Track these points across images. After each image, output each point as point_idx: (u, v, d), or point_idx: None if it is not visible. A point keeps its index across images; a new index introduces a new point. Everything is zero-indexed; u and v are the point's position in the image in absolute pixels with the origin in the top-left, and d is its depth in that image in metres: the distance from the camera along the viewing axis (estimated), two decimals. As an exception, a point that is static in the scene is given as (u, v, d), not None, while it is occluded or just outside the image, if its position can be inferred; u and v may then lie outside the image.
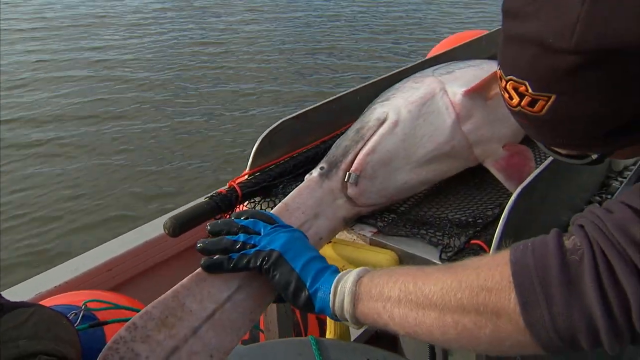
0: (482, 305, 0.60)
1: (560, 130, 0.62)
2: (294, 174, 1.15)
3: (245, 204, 1.08)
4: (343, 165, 0.97)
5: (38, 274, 1.83)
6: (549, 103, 0.60)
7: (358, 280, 0.71)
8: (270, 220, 0.81)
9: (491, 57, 1.80)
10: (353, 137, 1.01)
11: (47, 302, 1.32)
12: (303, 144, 1.21)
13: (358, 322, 0.72)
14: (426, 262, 0.90)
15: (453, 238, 0.93)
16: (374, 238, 0.96)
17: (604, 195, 1.23)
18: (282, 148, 1.17)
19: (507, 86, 0.64)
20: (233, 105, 5.55)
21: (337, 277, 0.73)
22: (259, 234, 0.78)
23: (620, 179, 1.30)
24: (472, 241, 0.89)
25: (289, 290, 0.74)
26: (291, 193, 0.94)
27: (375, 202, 0.99)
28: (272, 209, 1.08)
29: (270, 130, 1.14)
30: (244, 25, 8.43)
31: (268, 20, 8.75)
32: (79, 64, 6.58)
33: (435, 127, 1.03)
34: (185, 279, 0.73)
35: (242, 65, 6.67)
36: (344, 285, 0.71)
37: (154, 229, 2.06)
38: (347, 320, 0.72)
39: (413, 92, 1.09)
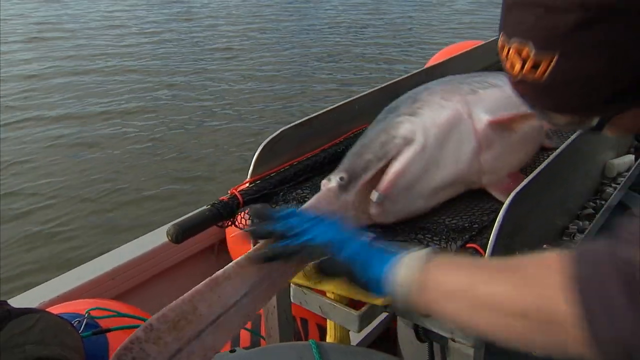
0: (536, 312, 0.60)
1: (561, 94, 0.65)
2: (295, 181, 1.17)
3: (247, 211, 1.10)
4: (362, 180, 0.98)
5: (42, 282, 1.85)
6: (551, 65, 0.63)
7: (419, 268, 0.71)
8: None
9: (488, 67, 1.83)
10: (377, 152, 1.01)
11: (51, 310, 1.33)
12: (303, 152, 1.24)
13: (415, 309, 0.73)
14: (423, 266, 0.92)
15: (450, 242, 0.95)
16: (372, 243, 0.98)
17: (598, 201, 1.26)
18: (283, 156, 1.20)
19: (510, 52, 0.67)
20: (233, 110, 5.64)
21: (400, 262, 0.72)
22: (302, 224, 0.78)
23: (614, 185, 1.32)
24: (468, 245, 0.91)
25: (354, 277, 0.74)
26: (310, 201, 0.94)
27: (387, 220, 1.00)
28: (272, 216, 1.11)
29: (271, 139, 1.16)
30: (248, 34, 8.57)
31: (267, 31, 8.83)
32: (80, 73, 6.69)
33: (457, 157, 1.04)
34: (200, 284, 0.75)
35: (249, 73, 6.77)
36: (407, 273, 0.71)
37: (156, 238, 2.09)
38: (404, 303, 0.72)
39: (440, 112, 1.09)
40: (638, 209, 1.44)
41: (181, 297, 0.73)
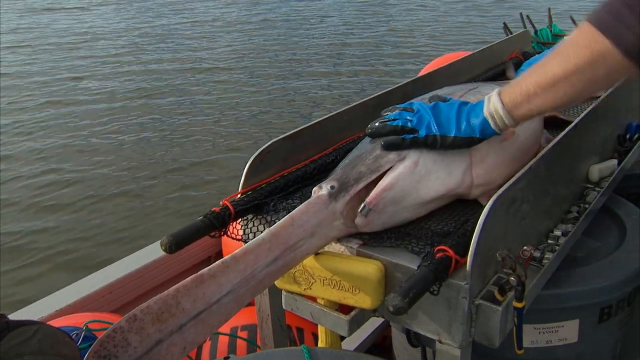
0: (586, 62, 0.87)
1: None
2: (285, 191, 1.21)
3: (238, 221, 1.14)
4: (353, 191, 1.00)
5: (41, 297, 1.87)
6: None
7: (501, 97, 0.99)
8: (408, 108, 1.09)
9: (475, 78, 1.87)
10: (370, 165, 1.04)
11: (50, 324, 1.36)
12: (293, 163, 1.27)
13: (520, 122, 1.00)
14: (410, 271, 0.94)
15: (435, 246, 0.98)
16: (360, 249, 1.01)
17: (582, 205, 1.29)
18: (273, 167, 1.23)
19: None
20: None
21: (484, 110, 1.01)
22: (408, 119, 1.06)
23: (597, 189, 1.35)
24: (438, 247, 0.92)
25: (466, 145, 1.04)
26: (299, 207, 0.96)
27: (372, 230, 1.02)
28: (263, 225, 1.14)
29: (262, 151, 1.19)
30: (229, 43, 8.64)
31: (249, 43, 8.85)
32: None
33: (450, 172, 1.06)
34: (187, 279, 0.79)
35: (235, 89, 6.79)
36: (493, 110, 1.00)
37: (152, 252, 2.12)
38: (512, 126, 1.01)
39: None
40: (623, 212, 1.48)
41: (166, 291, 0.77)
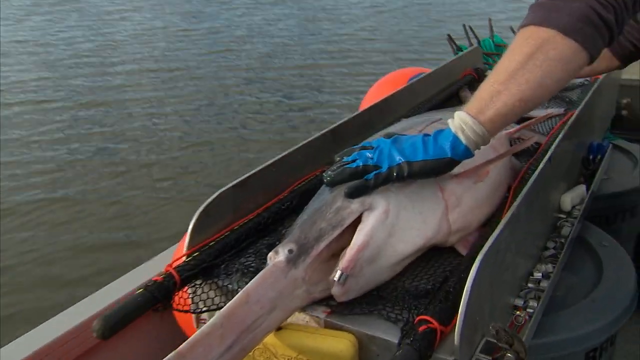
0: (535, 44, 0.89)
1: None
2: (236, 248, 1.06)
3: (185, 289, 0.98)
4: (314, 253, 0.86)
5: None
6: None
7: (465, 112, 0.92)
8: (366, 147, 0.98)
9: (431, 99, 1.78)
10: (331, 220, 0.90)
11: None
12: (244, 214, 1.13)
13: (491, 131, 0.91)
14: (387, 344, 0.82)
15: (412, 311, 0.86)
16: (328, 319, 0.88)
17: (557, 240, 1.20)
18: (222, 221, 1.09)
19: None
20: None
21: (452, 127, 0.92)
22: (369, 157, 0.94)
23: (570, 219, 1.28)
24: (420, 317, 0.80)
25: (437, 169, 0.92)
26: (254, 280, 0.83)
27: (349, 298, 0.89)
28: (214, 291, 1.00)
29: (208, 205, 1.05)
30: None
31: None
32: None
33: (424, 219, 0.95)
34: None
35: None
36: (460, 123, 0.91)
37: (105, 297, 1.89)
38: (484, 140, 0.92)
39: None
40: (595, 240, 1.41)
41: None
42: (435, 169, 0.91)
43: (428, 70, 2.75)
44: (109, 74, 7.63)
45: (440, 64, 1.94)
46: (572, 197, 1.30)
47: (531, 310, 0.97)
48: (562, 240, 1.20)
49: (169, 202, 4.40)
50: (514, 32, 3.55)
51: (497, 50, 3.63)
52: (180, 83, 7.26)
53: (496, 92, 0.90)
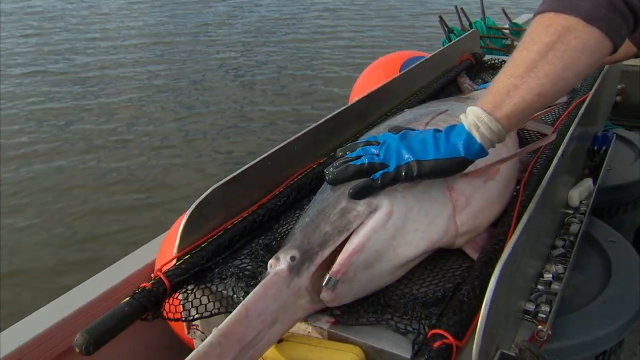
0: (556, 32, 0.82)
1: None
2: (231, 249, 0.99)
3: (176, 295, 0.91)
4: (318, 259, 0.79)
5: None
6: None
7: (480, 108, 0.84)
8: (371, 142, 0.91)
9: (430, 84, 1.71)
10: (336, 223, 0.83)
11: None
12: (238, 211, 1.05)
13: (507, 128, 0.84)
14: (397, 358, 0.76)
15: (423, 322, 0.80)
16: (332, 330, 0.82)
17: (566, 237, 1.15)
18: (215, 220, 1.01)
19: None
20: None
21: (465, 124, 0.85)
22: (374, 154, 0.87)
23: (578, 215, 1.22)
24: (433, 331, 0.74)
25: (449, 169, 0.85)
26: (254, 292, 0.75)
27: (342, 303, 0.83)
28: (208, 297, 0.93)
29: (200, 202, 0.97)
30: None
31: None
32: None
33: (430, 221, 0.88)
34: None
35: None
36: (475, 119, 0.84)
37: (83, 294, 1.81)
38: (500, 137, 0.85)
39: None
40: (600, 236, 1.36)
41: None
42: (447, 169, 0.84)
43: (420, 53, 2.69)
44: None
45: (437, 50, 1.86)
46: (580, 192, 1.25)
47: (544, 316, 0.92)
48: (572, 239, 1.14)
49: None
50: (506, 14, 3.49)
51: (488, 32, 3.57)
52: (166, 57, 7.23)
53: (513, 85, 0.83)
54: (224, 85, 6.23)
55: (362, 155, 0.89)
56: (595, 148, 1.50)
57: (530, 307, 0.94)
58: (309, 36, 8.16)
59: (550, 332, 0.79)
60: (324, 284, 0.79)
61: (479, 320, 0.70)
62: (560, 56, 0.81)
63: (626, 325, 1.08)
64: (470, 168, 0.90)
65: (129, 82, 6.25)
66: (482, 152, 0.85)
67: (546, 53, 0.82)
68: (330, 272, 0.79)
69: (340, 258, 0.80)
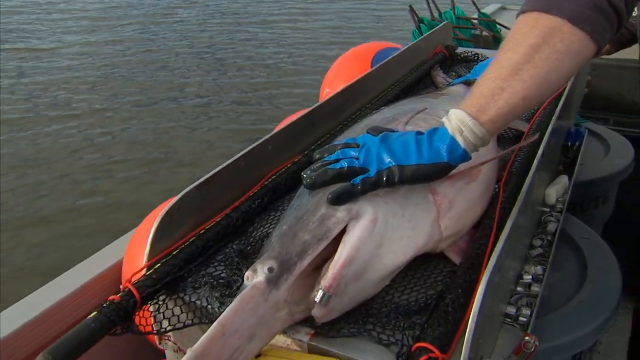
0: (541, 34, 0.80)
1: None
2: (204, 256, 0.95)
3: (147, 307, 0.86)
4: (297, 270, 0.75)
5: None
6: None
7: (464, 111, 0.82)
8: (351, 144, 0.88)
9: (404, 78, 1.68)
10: (315, 230, 0.79)
11: None
12: (210, 215, 1.01)
13: (491, 132, 0.82)
14: (381, 371, 0.74)
15: (407, 332, 0.77)
16: (312, 343, 0.78)
17: (543, 237, 1.14)
18: (187, 225, 0.97)
19: None
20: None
21: (448, 128, 0.83)
22: (354, 157, 0.84)
23: (555, 213, 1.22)
24: (418, 344, 0.72)
25: (431, 175, 0.82)
26: (231, 308, 0.71)
27: (331, 318, 0.79)
28: (180, 307, 0.88)
29: (170, 208, 0.92)
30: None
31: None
32: None
33: (414, 226, 0.85)
34: None
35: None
36: (458, 123, 0.82)
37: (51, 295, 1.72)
38: (483, 141, 0.83)
39: None
40: (574, 232, 1.36)
41: None
42: (429, 174, 0.82)
43: (392, 44, 2.66)
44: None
45: (411, 43, 1.83)
46: (556, 190, 1.24)
47: (524, 319, 0.91)
48: (549, 238, 1.13)
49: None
50: (475, 4, 3.48)
51: (458, 22, 3.56)
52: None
53: (498, 88, 0.81)
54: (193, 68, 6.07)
55: (341, 159, 0.85)
56: (569, 144, 1.49)
57: (511, 310, 0.93)
58: (279, 24, 8.06)
59: (537, 343, 0.77)
60: (317, 300, 0.75)
61: (467, 333, 0.68)
62: (546, 59, 0.80)
63: (604, 324, 1.08)
64: (453, 171, 0.88)
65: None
66: (465, 157, 0.82)
67: (531, 55, 0.80)
68: (322, 288, 0.76)
69: (332, 272, 0.76)
